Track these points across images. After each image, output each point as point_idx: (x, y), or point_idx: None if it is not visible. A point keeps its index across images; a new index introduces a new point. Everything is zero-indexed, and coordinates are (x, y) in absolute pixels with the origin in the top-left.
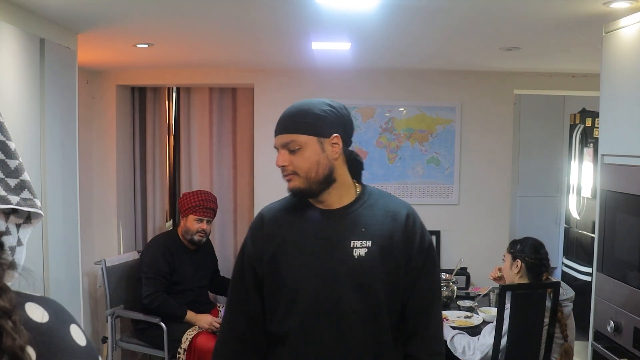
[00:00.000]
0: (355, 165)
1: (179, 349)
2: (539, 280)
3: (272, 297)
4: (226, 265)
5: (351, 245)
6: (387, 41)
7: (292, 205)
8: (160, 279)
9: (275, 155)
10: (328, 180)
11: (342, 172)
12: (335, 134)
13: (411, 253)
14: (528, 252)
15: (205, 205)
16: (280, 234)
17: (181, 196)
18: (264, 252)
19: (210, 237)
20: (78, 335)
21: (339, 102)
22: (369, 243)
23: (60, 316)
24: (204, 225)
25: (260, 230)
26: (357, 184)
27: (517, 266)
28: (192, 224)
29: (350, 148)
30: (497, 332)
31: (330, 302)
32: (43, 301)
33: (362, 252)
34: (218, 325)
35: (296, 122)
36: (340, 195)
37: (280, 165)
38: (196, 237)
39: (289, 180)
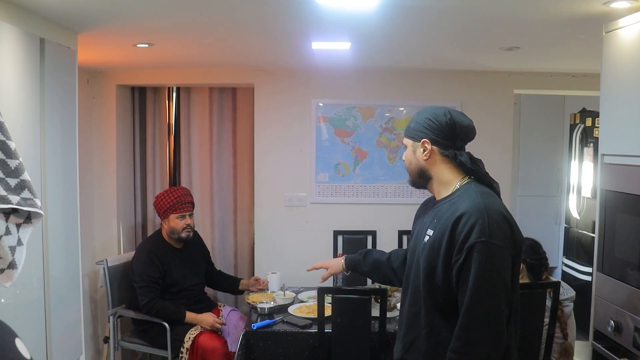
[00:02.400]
0: (459, 165)
1: (182, 349)
2: (539, 280)
3: None
4: (227, 264)
5: (426, 232)
6: (387, 41)
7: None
8: (153, 286)
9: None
10: (423, 176)
11: (439, 171)
12: (424, 139)
13: (452, 250)
14: (527, 253)
15: (183, 200)
16: (419, 216)
17: (155, 200)
18: (413, 228)
19: (210, 237)
20: (23, 349)
21: (450, 112)
22: (431, 232)
23: (3, 331)
24: (187, 220)
25: (417, 210)
26: (461, 182)
27: None
28: (175, 223)
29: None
30: None
31: (410, 274)
32: None
33: (426, 239)
34: (219, 325)
35: (406, 127)
36: (440, 190)
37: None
38: (183, 234)
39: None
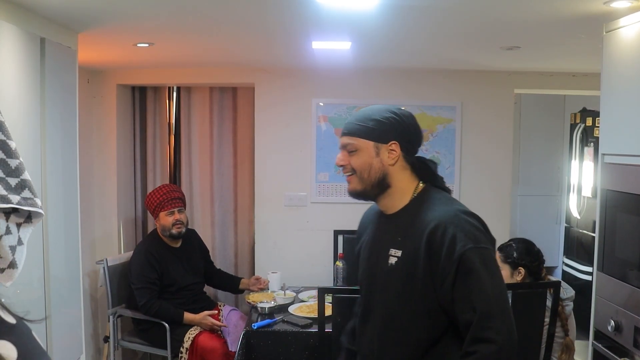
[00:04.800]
0: (421, 169)
1: (182, 348)
2: (540, 279)
3: None
4: (227, 264)
5: (389, 253)
6: (388, 41)
7: (378, 208)
8: (151, 287)
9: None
10: (382, 184)
11: (399, 178)
12: (393, 141)
13: (438, 266)
14: (528, 256)
15: (169, 197)
16: (365, 232)
17: (145, 200)
18: (357, 247)
19: (211, 237)
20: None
21: (407, 111)
22: (399, 253)
23: (30, 354)
24: (177, 216)
25: (359, 226)
26: (417, 189)
27: (520, 273)
28: (165, 220)
29: None
30: None
31: (372, 305)
32: (15, 337)
33: (394, 261)
34: (218, 328)
35: (357, 125)
36: (394, 202)
37: (339, 164)
38: (174, 230)
39: (348, 182)
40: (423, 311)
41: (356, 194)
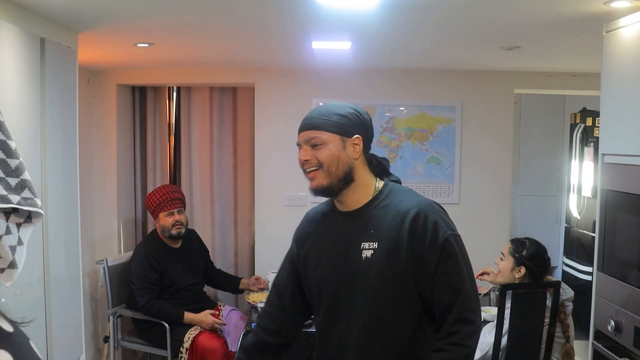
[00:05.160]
0: (378, 165)
1: (181, 348)
2: (540, 280)
3: (308, 294)
4: (227, 264)
5: (361, 247)
6: (388, 40)
7: (327, 208)
8: (151, 287)
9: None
10: (347, 178)
11: (362, 173)
12: (357, 135)
13: (421, 252)
14: (534, 259)
15: (169, 197)
16: (312, 235)
17: (144, 200)
18: (300, 250)
19: (211, 237)
20: (37, 350)
21: (363, 109)
22: (375, 245)
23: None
24: (176, 217)
25: (299, 229)
26: (378, 184)
27: (519, 272)
28: (165, 220)
29: None
30: (498, 331)
31: (344, 303)
32: (12, 346)
33: (369, 253)
34: (219, 326)
35: (321, 120)
36: (358, 196)
37: (303, 159)
38: (174, 231)
39: (311, 179)
40: (405, 298)
41: (321, 190)
